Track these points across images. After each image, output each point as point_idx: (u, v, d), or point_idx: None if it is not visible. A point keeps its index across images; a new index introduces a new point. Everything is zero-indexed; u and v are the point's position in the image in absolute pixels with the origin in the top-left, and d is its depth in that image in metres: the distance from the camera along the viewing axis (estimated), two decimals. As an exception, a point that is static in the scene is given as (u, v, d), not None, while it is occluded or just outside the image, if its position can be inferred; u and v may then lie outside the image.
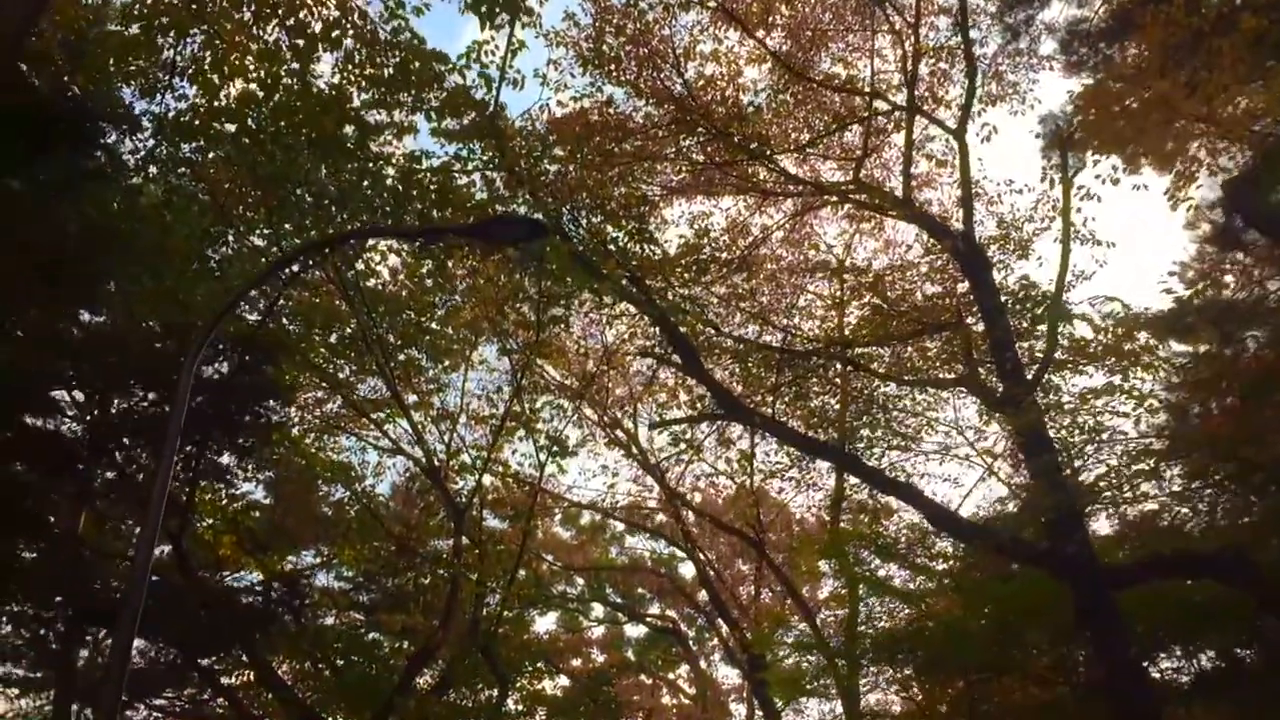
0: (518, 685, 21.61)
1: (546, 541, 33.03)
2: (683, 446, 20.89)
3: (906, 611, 19.34)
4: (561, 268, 13.33)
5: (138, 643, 27.76)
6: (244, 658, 22.84)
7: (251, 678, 24.21)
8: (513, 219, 9.84)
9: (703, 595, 36.95)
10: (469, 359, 21.49)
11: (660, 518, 31.66)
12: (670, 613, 36.34)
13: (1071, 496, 12.77)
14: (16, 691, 23.43)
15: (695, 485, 25.85)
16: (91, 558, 17.26)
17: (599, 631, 38.03)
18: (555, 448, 18.53)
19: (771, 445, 20.68)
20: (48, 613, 19.89)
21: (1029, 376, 13.64)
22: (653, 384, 19.47)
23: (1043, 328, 14.25)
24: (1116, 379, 14.03)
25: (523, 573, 21.36)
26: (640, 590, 36.16)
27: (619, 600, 35.43)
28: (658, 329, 12.90)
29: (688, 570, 35.73)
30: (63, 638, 21.42)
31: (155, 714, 24.71)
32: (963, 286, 16.02)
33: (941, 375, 15.54)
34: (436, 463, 18.96)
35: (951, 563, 18.14)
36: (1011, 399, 12.97)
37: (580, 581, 34.60)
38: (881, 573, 19.33)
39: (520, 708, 22.41)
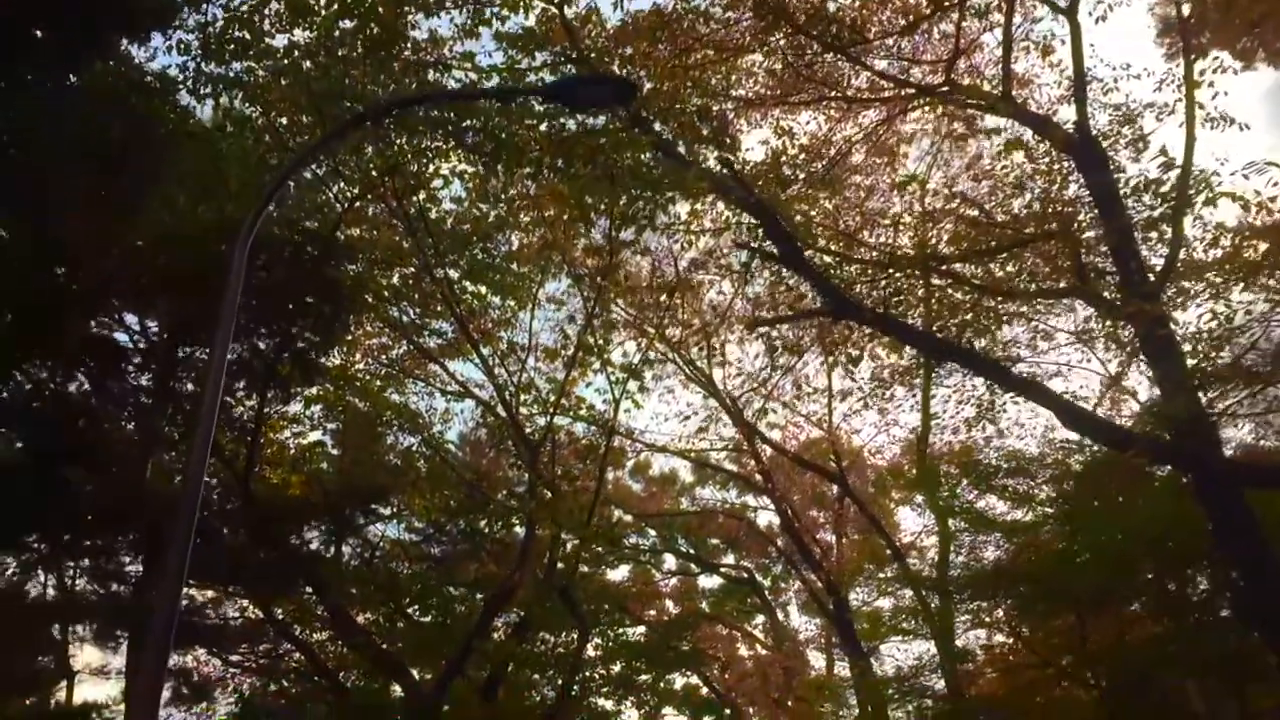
0: (597, 630, 20.96)
1: (616, 492, 32.33)
2: (765, 376, 19.90)
3: (1002, 547, 18.33)
4: (639, 165, 12.32)
5: (210, 596, 27.70)
6: (319, 610, 22.53)
7: (327, 633, 23.94)
8: (598, 77, 8.89)
9: (777, 544, 36.27)
10: (536, 297, 20.68)
11: (734, 466, 30.92)
12: (745, 563, 35.55)
13: (1199, 403, 11.64)
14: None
15: (774, 424, 24.83)
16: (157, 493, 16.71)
17: (672, 583, 37.43)
18: (629, 379, 17.64)
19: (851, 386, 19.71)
20: (117, 547, 19.64)
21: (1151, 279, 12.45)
22: (733, 303, 18.33)
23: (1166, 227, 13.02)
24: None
25: (596, 519, 20.67)
26: (713, 540, 35.35)
27: (691, 551, 34.67)
28: (752, 219, 11.87)
29: (762, 520, 35.09)
30: (136, 585, 21.16)
31: (232, 670, 24.55)
32: (1067, 193, 14.82)
33: (1048, 287, 14.34)
34: (508, 397, 18.18)
35: (1055, 493, 17.07)
36: (1136, 301, 11.80)
37: (652, 533, 33.91)
38: (979, 505, 18.34)
39: (601, 653, 21.81)
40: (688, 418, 24.47)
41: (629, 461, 34.03)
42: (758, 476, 25.87)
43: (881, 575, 21.68)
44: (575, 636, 20.25)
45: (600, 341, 17.68)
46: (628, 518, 31.16)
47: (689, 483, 36.28)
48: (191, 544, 6.51)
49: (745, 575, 34.84)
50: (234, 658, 25.06)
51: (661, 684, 23.38)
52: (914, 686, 18.68)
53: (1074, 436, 18.05)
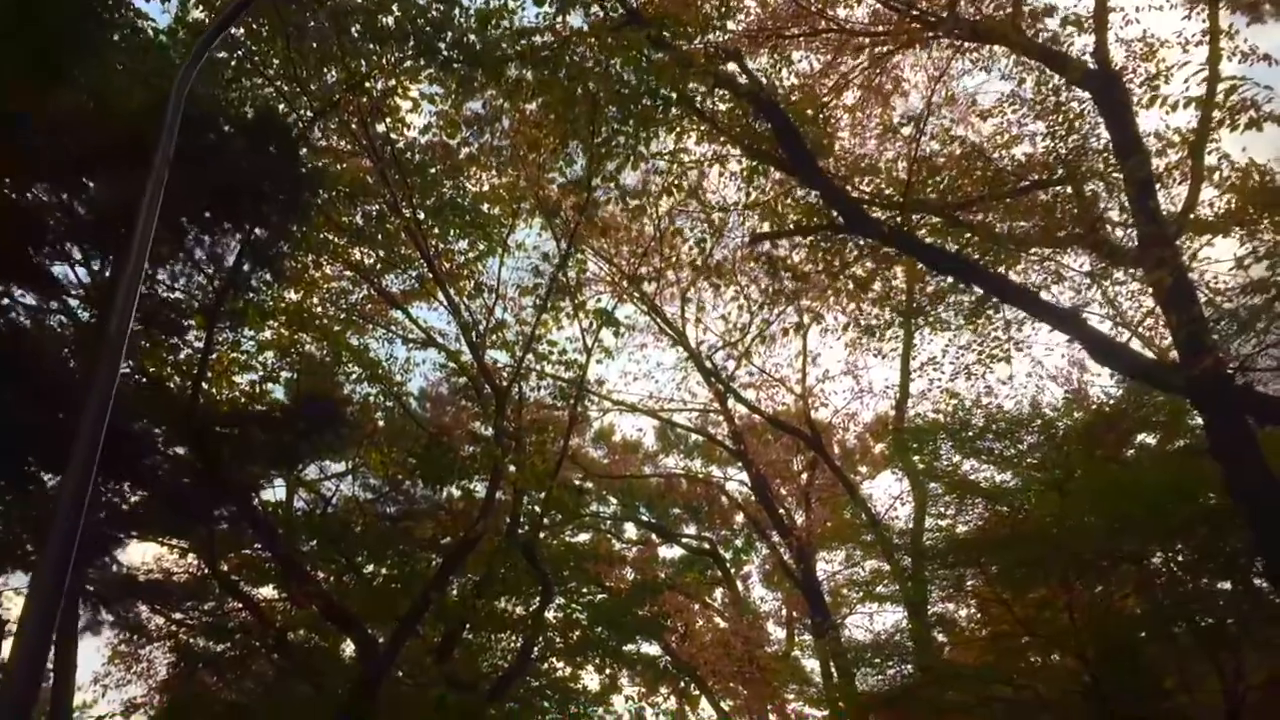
0: (560, 590, 20.12)
1: (579, 459, 31.51)
2: (739, 337, 19.11)
3: (983, 513, 17.65)
4: (633, 61, 11.30)
5: (156, 553, 26.60)
6: (269, 566, 21.52)
7: (276, 591, 22.91)
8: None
9: (740, 518, 35.63)
10: (506, 242, 19.66)
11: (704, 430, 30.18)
12: (707, 534, 34.94)
13: (1216, 352, 10.94)
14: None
15: (748, 384, 24.03)
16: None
17: (632, 553, 36.70)
18: (603, 326, 16.66)
19: (831, 346, 18.90)
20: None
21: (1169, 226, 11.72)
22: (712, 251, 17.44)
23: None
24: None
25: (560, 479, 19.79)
26: (675, 510, 34.71)
27: (653, 520, 33.96)
28: (762, 118, 10.92)
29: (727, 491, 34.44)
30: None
31: (175, 627, 23.59)
32: (1075, 138, 14.08)
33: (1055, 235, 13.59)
34: (474, 338, 17.19)
35: (1042, 456, 16.39)
36: (1152, 247, 11.07)
37: (614, 501, 33.17)
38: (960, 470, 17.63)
39: (563, 615, 21.00)
40: (653, 375, 23.68)
41: (594, 426, 33.25)
42: (728, 440, 25.07)
43: (855, 540, 20.94)
44: (536, 597, 19.42)
45: (574, 282, 16.72)
46: (589, 485, 30.35)
47: (653, 450, 35.59)
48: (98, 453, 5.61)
49: (707, 546, 34.31)
50: (177, 615, 24.13)
51: (623, 649, 22.59)
52: (885, 653, 17.99)
53: (1061, 397, 17.50)
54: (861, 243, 12.57)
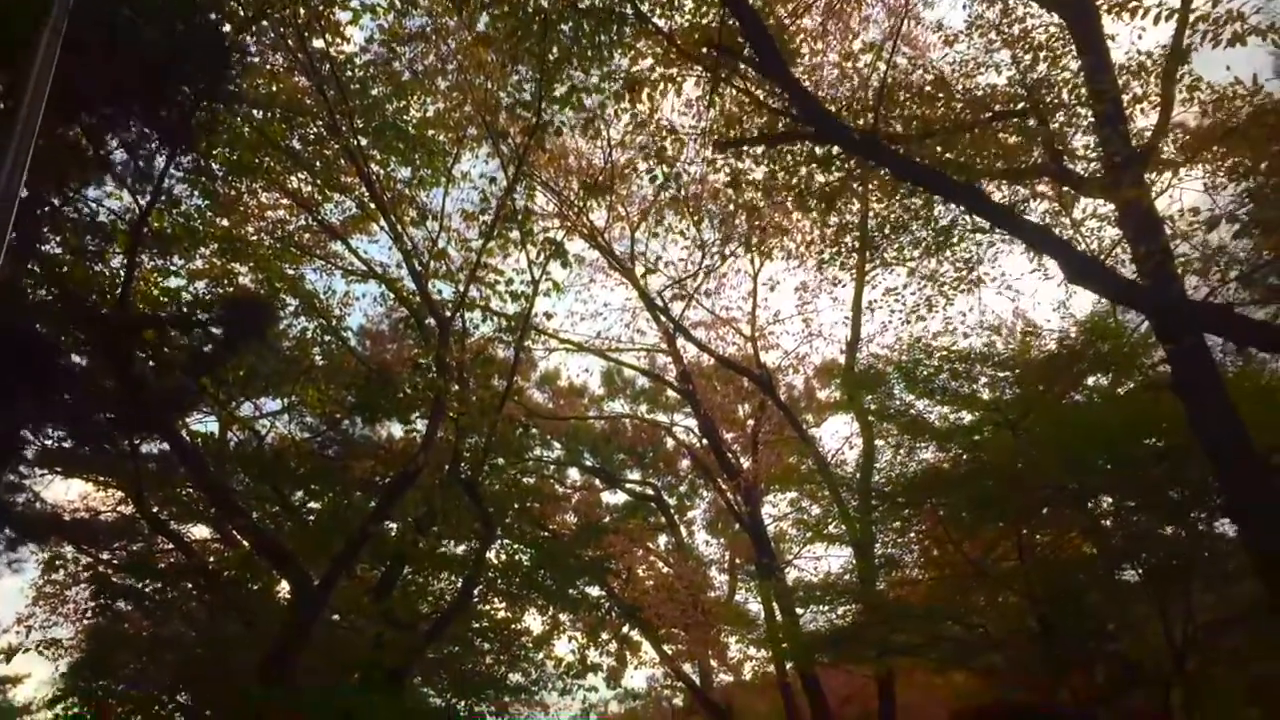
0: (501, 529, 19.66)
1: (524, 400, 30.98)
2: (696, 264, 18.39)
3: (935, 454, 17.46)
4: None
5: (85, 492, 25.73)
6: (199, 506, 20.81)
7: (207, 531, 22.21)
8: None
9: (685, 464, 35.39)
10: (450, 172, 18.89)
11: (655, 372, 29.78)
12: (651, 480, 34.72)
13: (1180, 287, 10.68)
14: None
15: (698, 322, 23.59)
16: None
17: (575, 498, 36.35)
18: (551, 256, 16.05)
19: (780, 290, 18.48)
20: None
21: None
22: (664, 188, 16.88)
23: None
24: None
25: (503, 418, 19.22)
26: (620, 456, 34.40)
27: (598, 465, 33.61)
28: (727, 11, 10.30)
29: (671, 440, 34.16)
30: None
31: (102, 567, 22.85)
32: (1041, 68, 13.68)
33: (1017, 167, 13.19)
34: (417, 265, 16.49)
35: (997, 396, 16.20)
36: (1122, 168, 10.71)
37: (558, 446, 32.72)
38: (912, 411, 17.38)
39: (506, 555, 20.57)
40: (601, 314, 23.15)
41: (539, 368, 32.71)
42: (675, 380, 24.66)
43: (802, 484, 20.70)
44: (477, 538, 18.95)
45: (523, 210, 16.03)
46: (534, 429, 29.85)
47: (599, 395, 35.14)
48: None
49: (651, 492, 34.10)
50: (105, 555, 23.39)
51: (566, 592, 22.26)
52: (832, 593, 17.81)
53: (1018, 336, 17.28)
54: (829, 156, 12.05)
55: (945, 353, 16.39)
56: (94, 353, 13.28)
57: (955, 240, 15.10)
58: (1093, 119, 12.08)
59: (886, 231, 15.48)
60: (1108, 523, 16.02)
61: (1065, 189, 13.33)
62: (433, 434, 15.95)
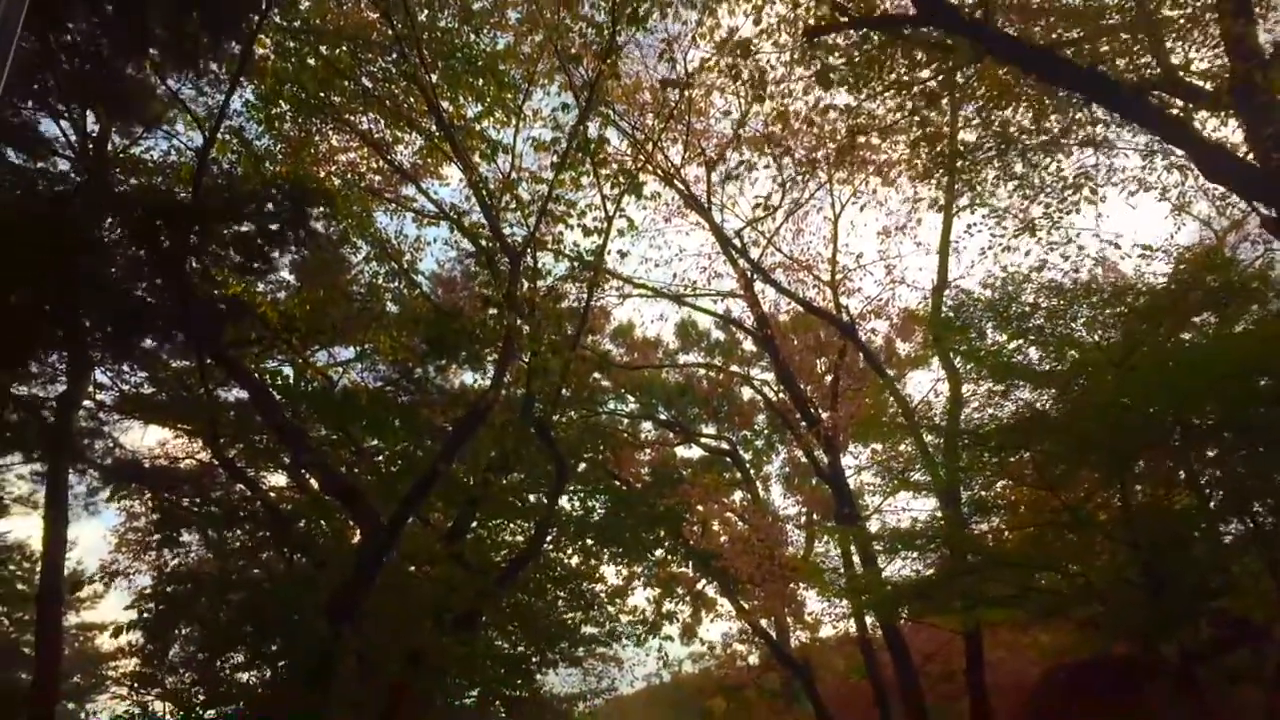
0: (576, 481, 19.20)
1: (596, 352, 30.50)
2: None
3: (1026, 400, 16.51)
4: None
5: (163, 439, 25.98)
6: (274, 446, 20.71)
7: (285, 478, 22.17)
8: None
9: (761, 419, 34.67)
10: (521, 110, 18.30)
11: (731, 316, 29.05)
12: (727, 435, 34.08)
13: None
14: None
15: (776, 265, 22.74)
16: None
17: (649, 455, 35.90)
18: (626, 191, 15.39)
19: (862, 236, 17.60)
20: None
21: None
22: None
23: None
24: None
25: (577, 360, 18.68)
26: (694, 411, 33.82)
27: (672, 419, 33.05)
28: None
29: (748, 392, 33.47)
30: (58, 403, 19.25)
31: (181, 512, 23.05)
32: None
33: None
34: (487, 198, 15.96)
35: (1100, 335, 15.20)
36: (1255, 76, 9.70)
37: (632, 399, 32.24)
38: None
39: (580, 502, 20.14)
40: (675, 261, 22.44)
41: (613, 320, 32.16)
42: (753, 326, 23.88)
43: (884, 434, 19.83)
44: (550, 482, 18.50)
45: (595, 139, 15.35)
46: (605, 384, 29.35)
47: (673, 348, 34.51)
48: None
49: (726, 447, 33.50)
50: (182, 501, 23.59)
51: (641, 536, 21.76)
52: (918, 541, 16.97)
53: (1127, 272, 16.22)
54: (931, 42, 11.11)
55: (1043, 286, 15.41)
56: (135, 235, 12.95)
57: (1066, 151, 14.06)
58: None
59: (984, 152, 14.52)
60: (1216, 471, 15.04)
61: (1180, 104, 12.25)
62: (503, 371, 15.49)
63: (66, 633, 41.37)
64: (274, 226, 13.50)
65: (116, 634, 15.61)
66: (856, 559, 22.39)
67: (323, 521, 19.57)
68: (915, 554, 17.22)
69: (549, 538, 18.56)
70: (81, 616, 40.72)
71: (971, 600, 15.23)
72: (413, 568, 18.57)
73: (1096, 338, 15.07)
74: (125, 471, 24.39)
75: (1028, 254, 16.48)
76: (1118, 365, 14.18)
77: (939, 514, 18.45)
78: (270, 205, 13.75)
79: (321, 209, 19.12)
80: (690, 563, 27.78)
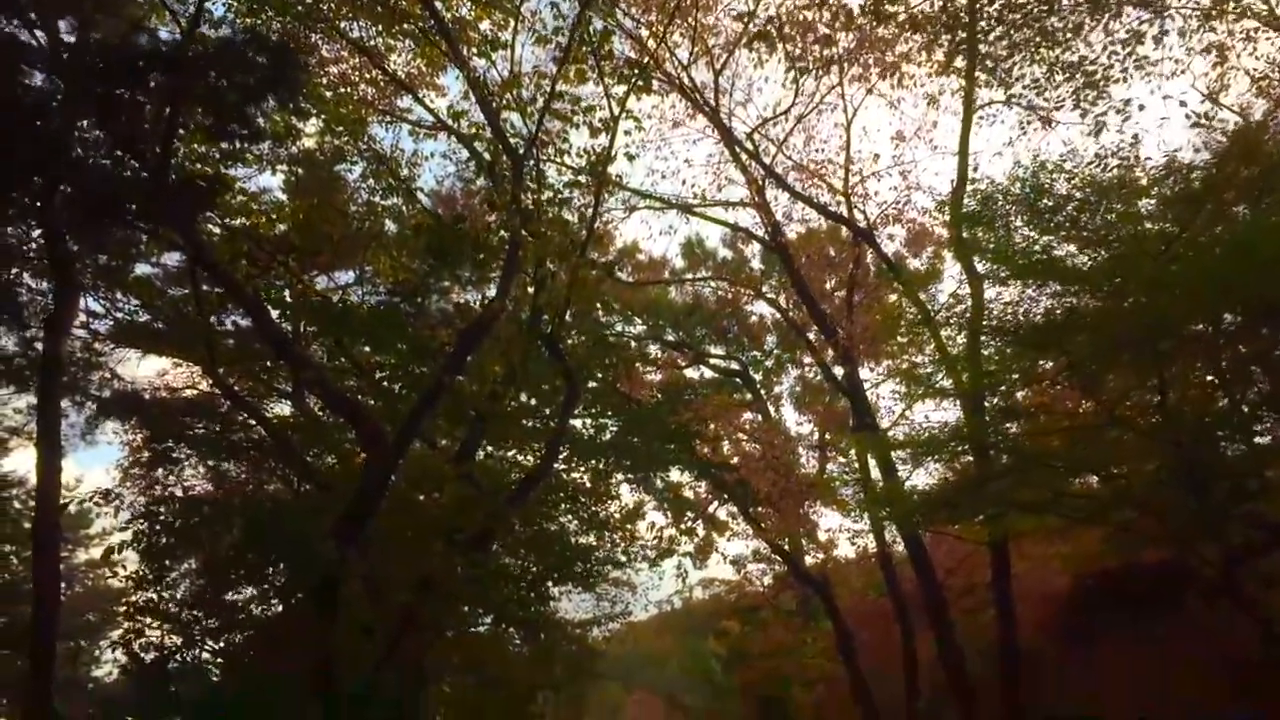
0: (587, 392, 18.55)
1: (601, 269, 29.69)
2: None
3: (1056, 297, 15.70)
4: None
5: (162, 369, 25.43)
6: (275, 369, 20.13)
7: (289, 407, 21.59)
8: None
9: (771, 340, 33.97)
10: (519, 10, 17.28)
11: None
12: (736, 355, 33.48)
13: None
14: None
15: (790, 170, 21.78)
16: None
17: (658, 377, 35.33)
18: (633, 84, 14.49)
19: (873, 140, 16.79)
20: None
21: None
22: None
23: None
24: None
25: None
26: (702, 332, 33.20)
27: (680, 340, 32.40)
28: None
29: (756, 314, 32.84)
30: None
31: (181, 443, 22.50)
32: None
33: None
34: (487, 95, 15.06)
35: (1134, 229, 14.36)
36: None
37: (639, 321, 31.59)
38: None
39: (591, 419, 19.55)
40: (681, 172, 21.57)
41: (618, 239, 31.32)
42: (765, 234, 23.03)
43: (902, 344, 19.13)
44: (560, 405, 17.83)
45: (599, 33, 14.42)
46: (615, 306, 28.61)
47: (679, 267, 33.71)
48: None
49: (736, 367, 32.97)
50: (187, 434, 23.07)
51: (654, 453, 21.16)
52: (942, 445, 16.30)
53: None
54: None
55: (1079, 176, 14.54)
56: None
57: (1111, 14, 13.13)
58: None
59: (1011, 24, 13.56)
60: (1255, 368, 14.35)
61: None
62: (509, 281, 14.76)
63: (76, 570, 41.29)
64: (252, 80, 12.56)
65: (107, 555, 14.97)
66: (876, 473, 21.78)
67: (321, 439, 19.08)
68: (939, 459, 16.59)
69: (560, 458, 17.94)
70: (92, 553, 40.62)
71: (1003, 505, 14.58)
72: (421, 496, 18.04)
73: (1133, 230, 14.25)
74: (124, 402, 23.83)
75: (1053, 136, 15.51)
76: (1155, 258, 13.40)
77: (962, 422, 17.71)
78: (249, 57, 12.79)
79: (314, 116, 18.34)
80: (704, 483, 27.32)
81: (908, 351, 19.23)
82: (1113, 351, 13.60)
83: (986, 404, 16.56)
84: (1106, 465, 14.15)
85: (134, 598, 16.93)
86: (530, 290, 16.74)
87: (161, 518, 15.14)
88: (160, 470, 22.77)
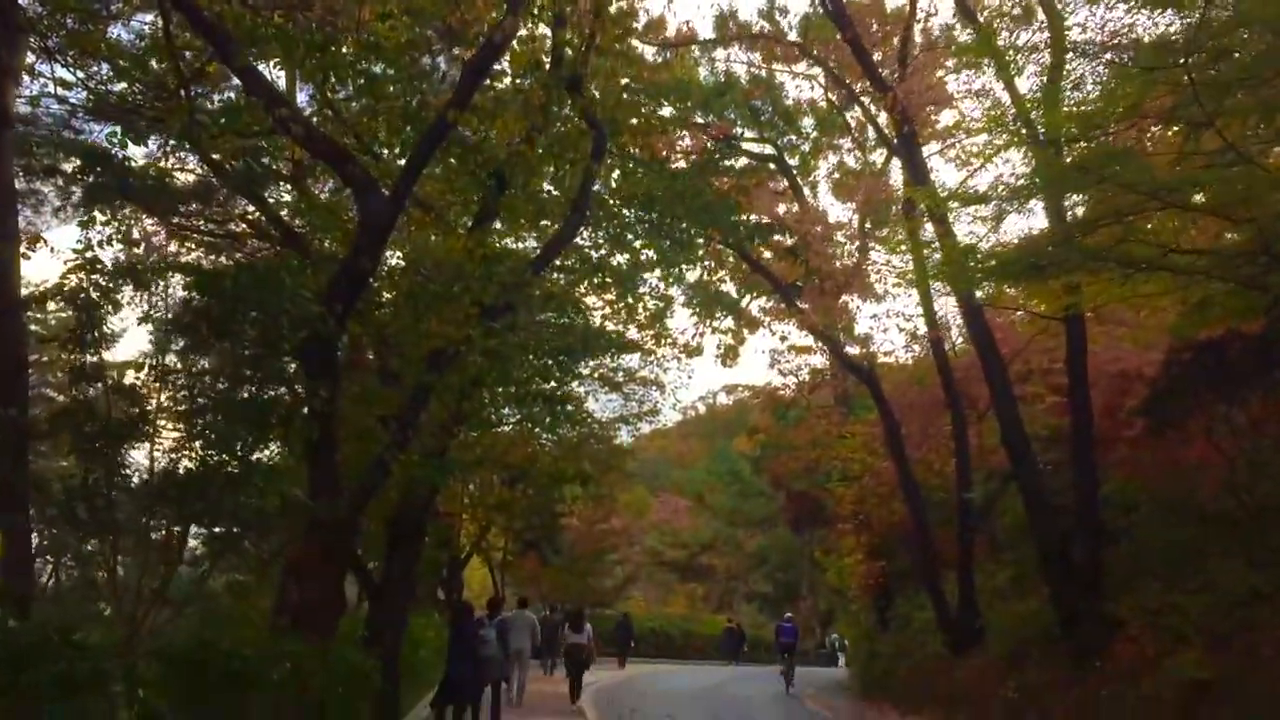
0: (618, 144, 16.43)
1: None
2: None
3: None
4: None
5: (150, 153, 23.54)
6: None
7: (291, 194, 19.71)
8: None
9: (808, 122, 31.56)
10: None
11: None
12: (770, 138, 31.31)
13: None
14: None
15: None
16: None
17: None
18: None
19: None
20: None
21: None
22: None
23: None
24: None
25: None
26: (734, 114, 30.98)
27: (711, 124, 30.12)
28: None
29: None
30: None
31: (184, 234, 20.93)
32: None
33: None
34: None
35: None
36: None
37: (664, 104, 29.17)
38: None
39: (621, 174, 17.55)
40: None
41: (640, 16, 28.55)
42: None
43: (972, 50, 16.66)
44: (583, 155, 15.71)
45: None
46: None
47: (710, 39, 30.96)
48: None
49: (771, 151, 31.01)
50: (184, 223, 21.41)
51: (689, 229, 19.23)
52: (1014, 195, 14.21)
53: None
54: None
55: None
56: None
57: None
58: None
59: None
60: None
61: None
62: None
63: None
64: None
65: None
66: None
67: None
68: (1021, 209, 14.47)
69: (585, 217, 15.92)
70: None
71: (1106, 261, 12.44)
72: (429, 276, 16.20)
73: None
74: (110, 187, 21.96)
75: None
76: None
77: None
78: None
79: None
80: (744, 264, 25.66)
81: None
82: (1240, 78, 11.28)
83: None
84: (1234, 208, 11.93)
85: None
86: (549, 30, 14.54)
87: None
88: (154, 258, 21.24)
